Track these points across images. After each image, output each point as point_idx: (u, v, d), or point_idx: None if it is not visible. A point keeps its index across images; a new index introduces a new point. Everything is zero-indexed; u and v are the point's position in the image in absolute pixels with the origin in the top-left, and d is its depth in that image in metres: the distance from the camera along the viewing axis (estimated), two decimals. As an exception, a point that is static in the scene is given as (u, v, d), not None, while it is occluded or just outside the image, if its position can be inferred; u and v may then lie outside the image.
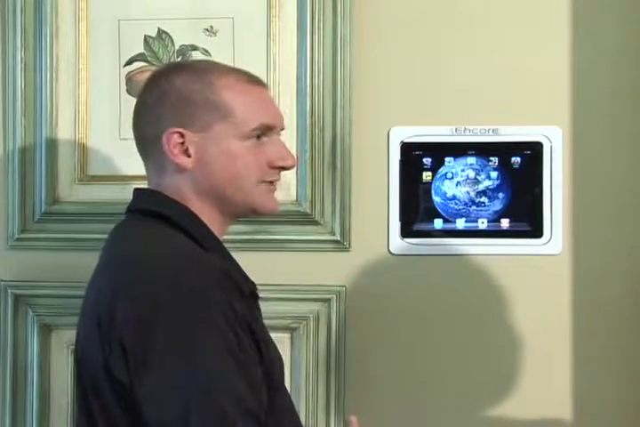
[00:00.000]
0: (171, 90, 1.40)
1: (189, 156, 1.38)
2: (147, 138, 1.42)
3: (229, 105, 1.39)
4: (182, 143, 1.38)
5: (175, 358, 1.22)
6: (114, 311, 1.26)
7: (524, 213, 1.96)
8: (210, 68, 1.44)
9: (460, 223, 1.97)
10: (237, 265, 1.42)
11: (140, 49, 2.02)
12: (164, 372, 1.22)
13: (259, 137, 1.42)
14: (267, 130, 1.43)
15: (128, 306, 1.25)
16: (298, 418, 1.50)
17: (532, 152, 1.95)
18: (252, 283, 1.40)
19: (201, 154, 1.39)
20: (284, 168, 1.47)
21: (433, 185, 1.97)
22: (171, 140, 1.38)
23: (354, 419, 1.55)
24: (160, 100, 1.40)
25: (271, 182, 1.46)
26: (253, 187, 1.42)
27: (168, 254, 1.31)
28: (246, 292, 1.33)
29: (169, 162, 1.40)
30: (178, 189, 1.41)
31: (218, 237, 1.43)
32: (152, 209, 1.40)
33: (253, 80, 1.45)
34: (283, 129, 1.50)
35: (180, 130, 1.38)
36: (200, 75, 1.41)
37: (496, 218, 1.96)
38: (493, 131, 1.95)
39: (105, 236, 1.46)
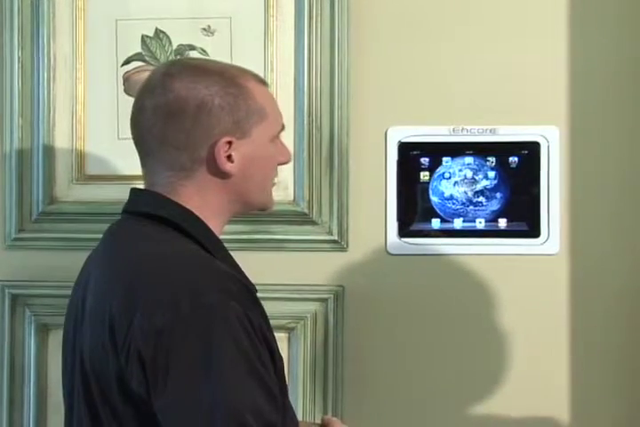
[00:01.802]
0: (208, 98, 1.37)
1: (232, 162, 1.39)
2: (175, 145, 1.38)
3: (264, 108, 1.41)
4: (226, 150, 1.38)
5: (195, 372, 1.21)
6: (131, 321, 1.24)
7: (521, 213, 1.96)
8: (232, 71, 1.43)
9: (458, 223, 1.97)
10: (240, 268, 1.42)
11: (138, 49, 2.02)
12: (185, 386, 1.21)
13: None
14: (282, 131, 1.48)
15: (147, 317, 1.23)
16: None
17: (530, 152, 1.95)
18: (253, 286, 1.40)
19: (242, 159, 1.39)
20: (285, 163, 1.52)
21: (430, 185, 1.97)
22: (221, 150, 1.37)
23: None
24: (199, 109, 1.37)
25: None
26: (271, 185, 1.48)
27: (185, 262, 1.30)
28: (256, 297, 1.33)
29: (204, 169, 1.39)
30: (203, 194, 1.40)
31: (222, 243, 1.43)
32: (160, 214, 1.38)
33: (264, 81, 1.47)
34: None
35: (231, 139, 1.38)
36: (231, 81, 1.40)
37: (493, 218, 1.96)
38: (491, 131, 1.95)
39: (103, 236, 1.45)
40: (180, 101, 1.37)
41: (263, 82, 1.46)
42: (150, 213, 1.39)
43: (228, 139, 1.37)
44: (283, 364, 1.39)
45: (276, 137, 1.45)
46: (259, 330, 1.28)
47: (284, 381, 1.39)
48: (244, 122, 1.39)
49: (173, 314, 1.23)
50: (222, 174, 1.39)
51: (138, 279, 1.29)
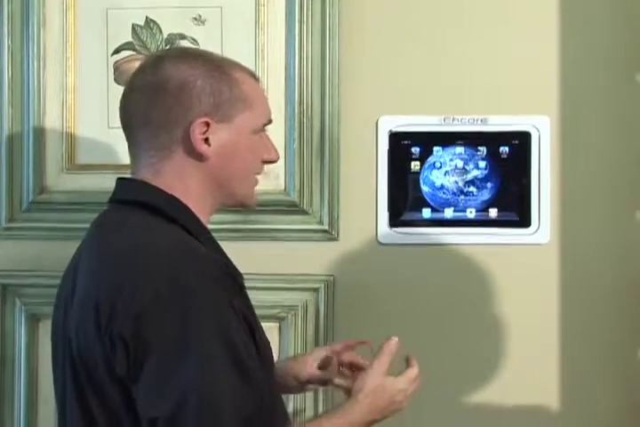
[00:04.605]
0: (191, 78, 1.38)
1: (209, 145, 1.38)
2: (156, 124, 1.39)
3: (250, 98, 1.41)
4: (204, 132, 1.38)
5: (171, 357, 1.21)
6: (114, 305, 1.25)
7: (511, 203, 1.96)
8: (222, 60, 1.44)
9: (449, 213, 1.97)
10: (226, 255, 1.42)
11: (128, 38, 2.01)
12: (160, 368, 1.22)
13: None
14: (268, 125, 1.47)
15: (128, 301, 1.24)
16: (286, 412, 1.50)
17: (521, 142, 1.95)
18: (239, 273, 1.40)
19: (220, 144, 1.39)
20: (271, 162, 1.50)
21: (421, 175, 1.97)
22: (196, 130, 1.37)
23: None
24: (181, 88, 1.38)
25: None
26: (252, 180, 1.46)
27: (168, 248, 1.30)
28: (241, 284, 1.33)
29: (182, 150, 1.39)
30: (182, 177, 1.39)
31: (208, 229, 1.43)
32: (141, 200, 1.39)
33: (255, 76, 1.47)
34: None
35: (208, 120, 1.37)
36: (216, 66, 1.41)
37: (484, 207, 1.96)
38: (482, 120, 1.95)
39: (94, 225, 1.45)
40: (164, 80, 1.38)
41: (254, 76, 1.46)
42: (134, 200, 1.39)
43: (205, 119, 1.37)
44: (271, 353, 1.40)
45: (261, 130, 1.44)
46: (241, 315, 1.28)
47: (272, 369, 1.40)
48: (225, 106, 1.39)
49: (153, 297, 1.23)
50: (198, 156, 1.39)
51: (122, 266, 1.29)
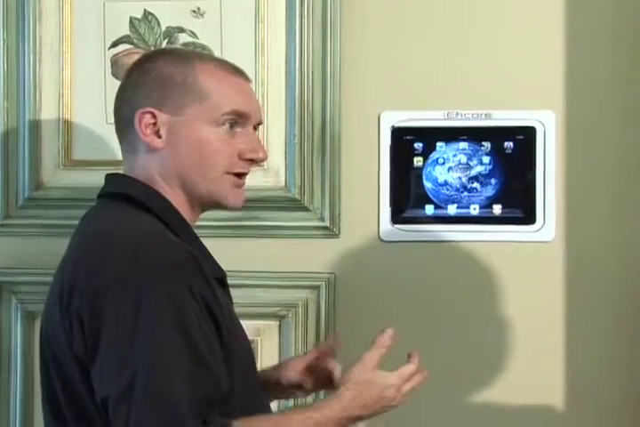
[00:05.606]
0: (150, 71, 1.41)
1: (160, 137, 1.38)
2: (124, 118, 1.42)
3: (205, 89, 1.39)
4: (154, 124, 1.38)
5: (123, 334, 1.22)
6: (73, 284, 1.27)
7: (516, 200, 1.95)
8: (194, 54, 1.47)
9: (452, 209, 1.95)
10: (207, 251, 1.42)
11: (126, 31, 2.00)
12: (112, 347, 1.22)
13: (232, 126, 1.41)
14: (240, 118, 1.42)
15: (87, 279, 1.26)
16: (267, 405, 1.49)
17: (525, 137, 1.94)
18: (221, 270, 1.41)
19: (171, 136, 1.38)
20: (253, 161, 1.45)
21: (424, 170, 1.96)
22: (142, 120, 1.38)
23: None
24: (139, 81, 1.41)
25: (239, 175, 1.43)
26: (218, 177, 1.41)
27: (131, 232, 1.31)
28: (210, 277, 1.32)
29: (140, 142, 1.40)
30: (146, 170, 1.40)
31: (188, 222, 1.42)
32: (121, 192, 1.40)
33: (236, 71, 1.45)
34: (260, 124, 1.49)
35: (153, 110, 1.38)
36: (183, 59, 1.42)
37: (488, 204, 1.95)
38: (486, 115, 1.94)
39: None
40: (132, 74, 1.43)
41: (237, 73, 1.44)
42: (113, 193, 1.41)
43: (147, 109, 1.38)
44: (247, 350, 1.41)
45: (223, 123, 1.40)
46: (201, 301, 1.26)
47: (251, 361, 1.41)
48: (175, 97, 1.39)
49: (110, 275, 1.25)
50: (149, 147, 1.39)
51: (86, 252, 1.32)
